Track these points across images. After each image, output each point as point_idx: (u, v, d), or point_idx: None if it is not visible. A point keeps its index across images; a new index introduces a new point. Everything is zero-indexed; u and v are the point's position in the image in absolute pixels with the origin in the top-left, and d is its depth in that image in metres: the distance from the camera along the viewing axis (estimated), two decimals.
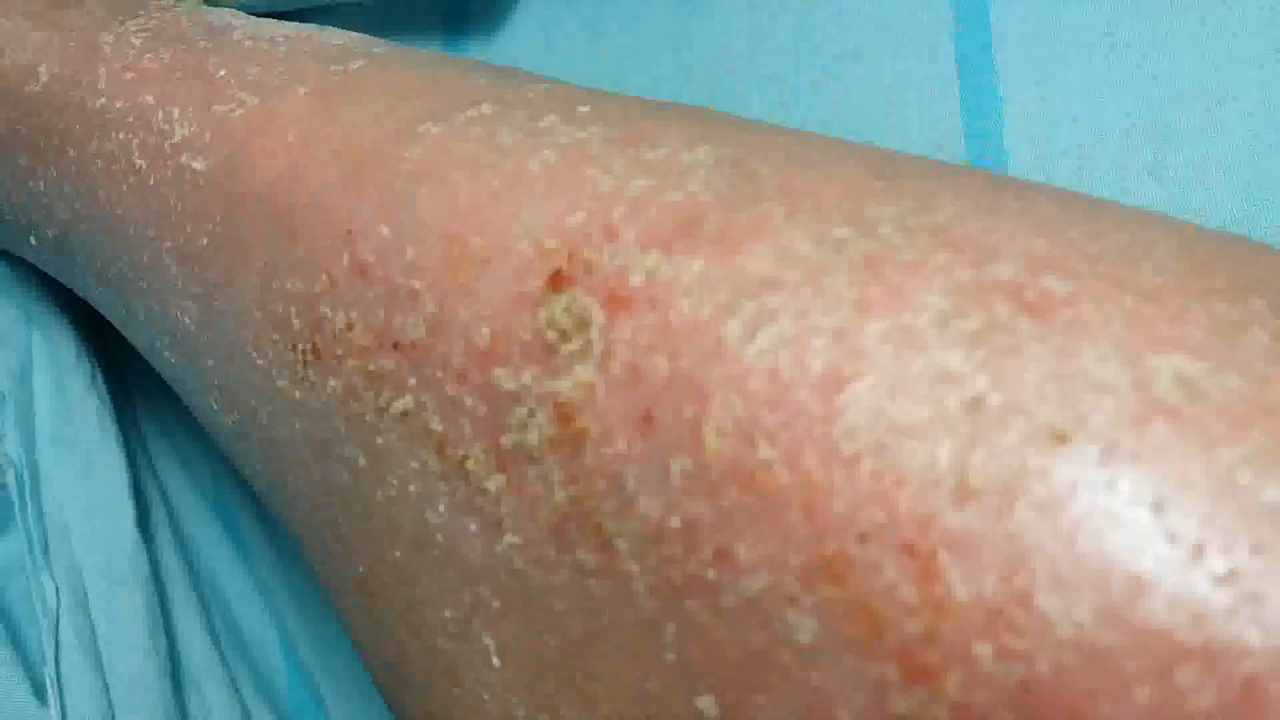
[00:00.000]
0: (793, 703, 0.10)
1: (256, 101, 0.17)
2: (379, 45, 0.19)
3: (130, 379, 0.29)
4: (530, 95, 0.16)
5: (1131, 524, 0.08)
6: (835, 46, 0.23)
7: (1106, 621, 0.08)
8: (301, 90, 0.17)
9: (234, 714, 0.26)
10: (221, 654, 0.27)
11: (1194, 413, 0.09)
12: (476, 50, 0.29)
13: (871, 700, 0.09)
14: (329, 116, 0.16)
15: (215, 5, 0.25)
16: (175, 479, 0.29)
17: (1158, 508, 0.08)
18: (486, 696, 0.13)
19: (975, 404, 0.09)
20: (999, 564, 0.09)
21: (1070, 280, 0.10)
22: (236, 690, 0.27)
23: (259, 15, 0.29)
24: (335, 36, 0.19)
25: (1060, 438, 0.09)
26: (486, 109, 0.15)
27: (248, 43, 0.19)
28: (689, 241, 0.12)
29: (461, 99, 0.16)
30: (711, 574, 0.10)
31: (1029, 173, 0.21)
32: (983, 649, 0.09)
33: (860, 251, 0.11)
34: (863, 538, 0.09)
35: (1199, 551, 0.08)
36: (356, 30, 0.27)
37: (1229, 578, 0.08)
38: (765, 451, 0.10)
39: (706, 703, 0.11)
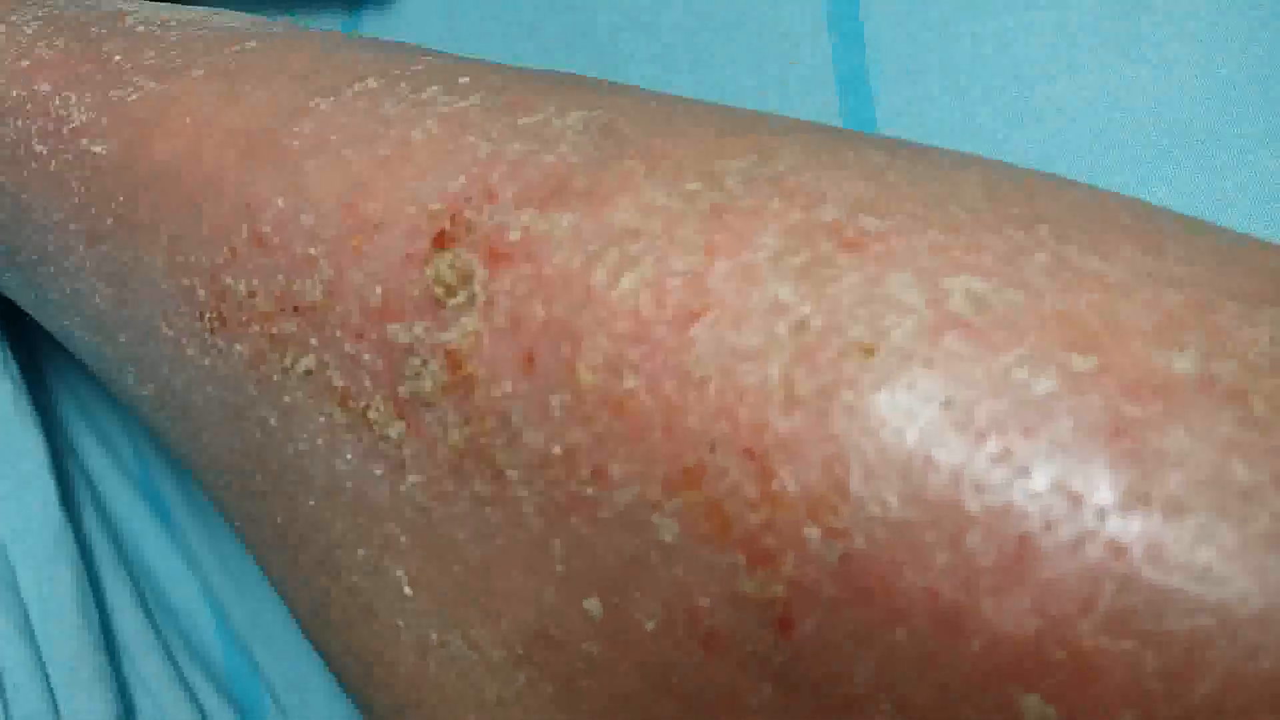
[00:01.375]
0: (663, 594, 0.11)
1: (153, 85, 0.18)
2: (274, 27, 0.19)
3: (43, 363, 0.30)
4: (415, 68, 0.17)
5: (925, 419, 0.10)
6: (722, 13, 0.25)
7: (907, 501, 0.10)
8: (197, 73, 0.18)
9: (171, 684, 0.27)
10: (155, 626, 0.28)
11: (980, 324, 0.10)
12: (372, 23, 0.30)
13: (724, 585, 0.11)
14: (224, 97, 0.17)
15: None
16: (96, 459, 0.30)
17: (947, 404, 0.10)
18: (402, 624, 0.14)
19: (799, 327, 0.11)
20: (820, 460, 0.10)
21: (884, 219, 0.11)
22: (173, 661, 0.28)
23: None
24: (230, 20, 0.20)
25: (868, 351, 0.10)
26: (372, 83, 0.16)
27: (140, 28, 0.19)
28: (560, 199, 0.13)
29: (349, 74, 0.17)
30: (589, 491, 0.12)
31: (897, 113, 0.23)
32: (811, 531, 0.10)
33: (708, 202, 0.12)
34: (712, 447, 0.11)
35: (981, 436, 0.10)
36: (260, 12, 0.28)
37: (1003, 456, 0.10)
38: (630, 381, 0.12)
39: (593, 604, 0.12)
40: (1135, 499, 0.09)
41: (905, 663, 0.10)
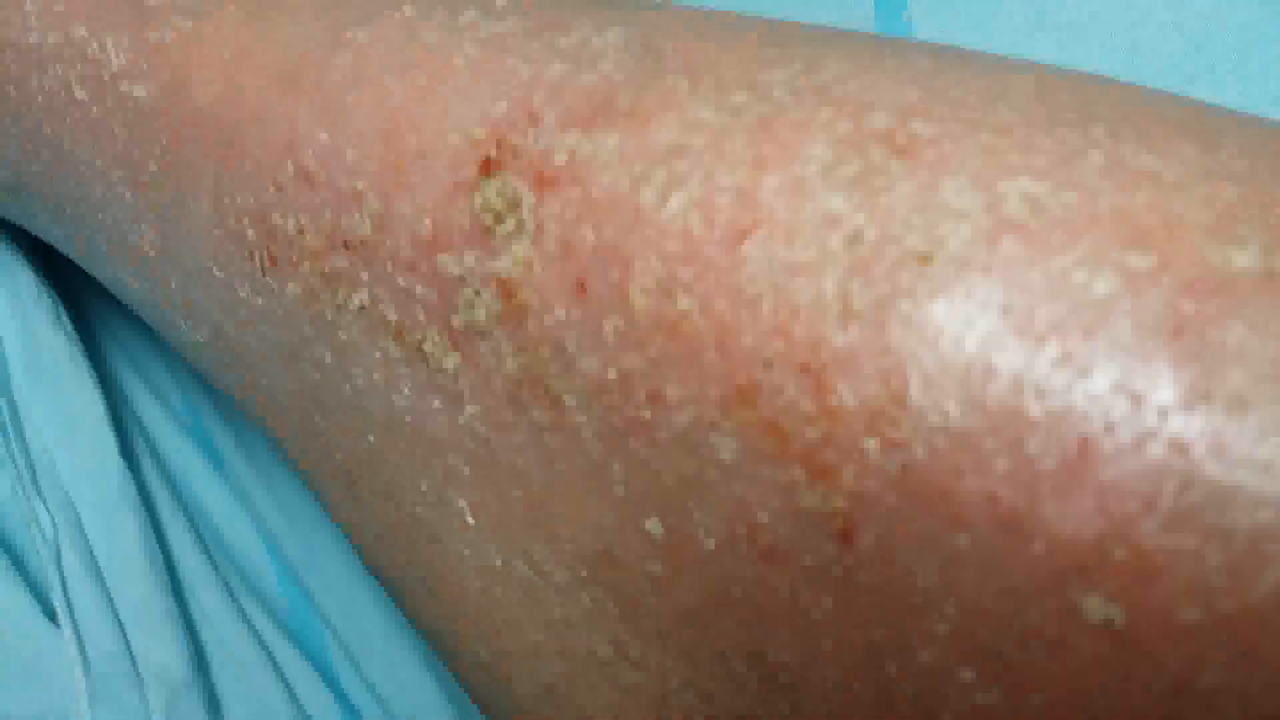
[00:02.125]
0: (723, 512, 0.12)
1: (189, 24, 0.18)
2: None
3: (91, 317, 0.30)
4: None
5: (984, 326, 0.10)
6: None
7: (967, 409, 0.10)
8: (231, 8, 0.18)
9: (232, 615, 0.28)
10: (213, 563, 0.29)
11: (1037, 226, 0.10)
12: None
13: (785, 500, 0.11)
14: (260, 32, 0.17)
15: None
16: (149, 408, 0.30)
17: (1006, 310, 0.10)
18: (467, 551, 0.15)
19: (854, 239, 0.11)
20: (878, 372, 0.10)
21: (935, 123, 0.11)
22: (231, 594, 0.28)
23: None
24: None
25: (925, 259, 0.10)
26: (409, 10, 0.16)
27: None
28: (604, 119, 0.13)
29: (385, 2, 0.16)
30: (646, 414, 0.12)
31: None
32: (870, 444, 0.10)
33: (755, 114, 0.12)
34: (767, 365, 0.11)
35: (1040, 341, 0.10)
36: None
37: (1063, 359, 0.10)
38: (683, 303, 0.12)
39: (653, 524, 0.12)
40: (1197, 396, 0.09)
41: (967, 568, 0.10)
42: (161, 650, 0.26)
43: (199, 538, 0.29)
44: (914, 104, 0.12)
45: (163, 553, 0.28)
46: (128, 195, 0.19)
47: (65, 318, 0.28)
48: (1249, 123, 0.12)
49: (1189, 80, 0.21)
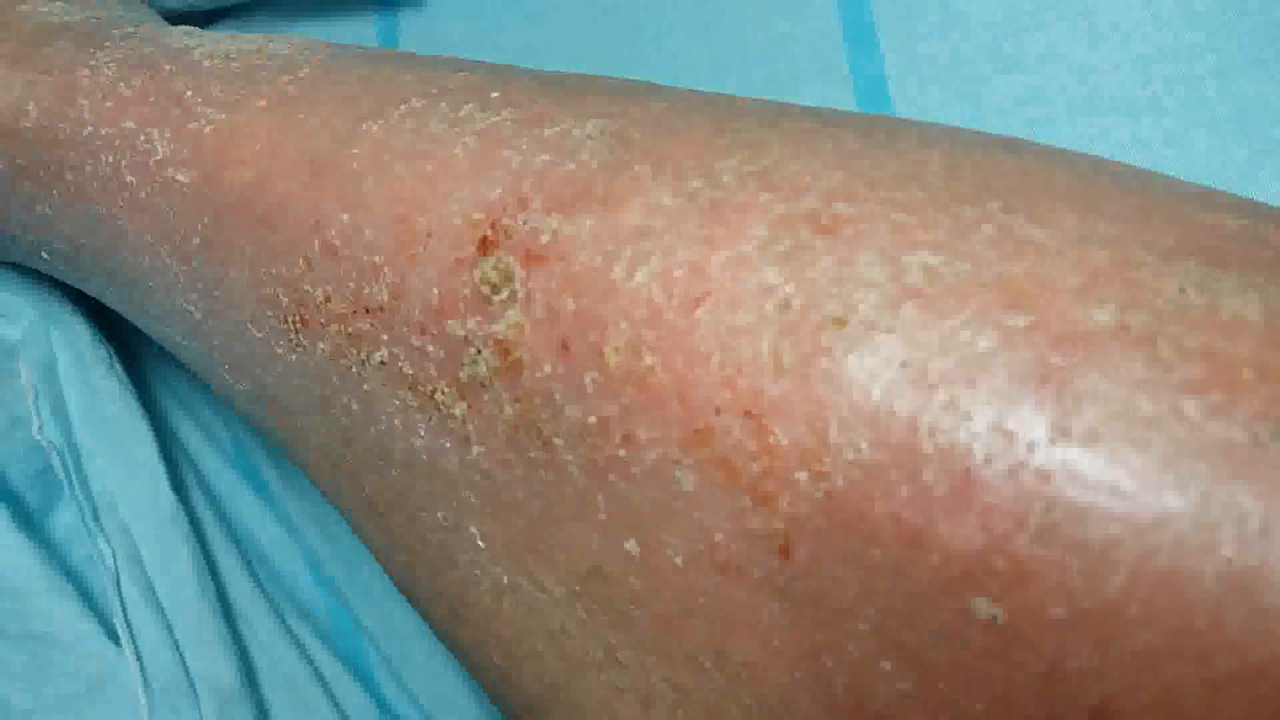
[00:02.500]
0: (687, 533, 0.14)
1: (223, 117, 0.20)
2: (319, 50, 0.22)
3: (143, 362, 0.33)
4: (450, 86, 0.19)
5: (887, 377, 0.12)
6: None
7: (876, 445, 0.12)
8: (260, 103, 0.20)
9: (279, 634, 0.30)
10: (261, 587, 0.31)
11: (933, 293, 0.12)
12: (408, 17, 0.32)
13: (736, 523, 0.13)
14: (287, 125, 0.19)
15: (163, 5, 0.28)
16: (197, 444, 0.33)
17: (905, 364, 0.12)
18: (478, 571, 0.17)
19: (784, 306, 0.13)
20: (805, 416, 0.12)
21: (854, 204, 0.13)
22: (279, 615, 0.31)
23: (207, 12, 0.32)
24: (281, 47, 0.22)
25: (840, 322, 0.13)
26: (416, 104, 0.18)
27: (206, 62, 0.22)
28: (582, 204, 0.15)
29: (395, 97, 0.19)
30: (622, 453, 0.14)
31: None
32: (801, 475, 0.13)
33: (707, 199, 0.14)
34: (718, 411, 0.13)
35: (933, 389, 0.12)
36: (296, 10, 0.30)
37: (950, 404, 0.12)
38: (649, 359, 0.14)
39: (631, 545, 0.14)
40: (1058, 433, 0.11)
41: (881, 576, 0.12)
42: (214, 667, 0.28)
43: (247, 563, 0.31)
44: (838, 186, 0.14)
45: (214, 578, 0.30)
46: (175, 266, 0.21)
47: (119, 366, 0.30)
48: (1130, 181, 0.14)
49: (1133, 106, 0.23)
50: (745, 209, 0.14)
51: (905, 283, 0.13)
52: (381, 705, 0.32)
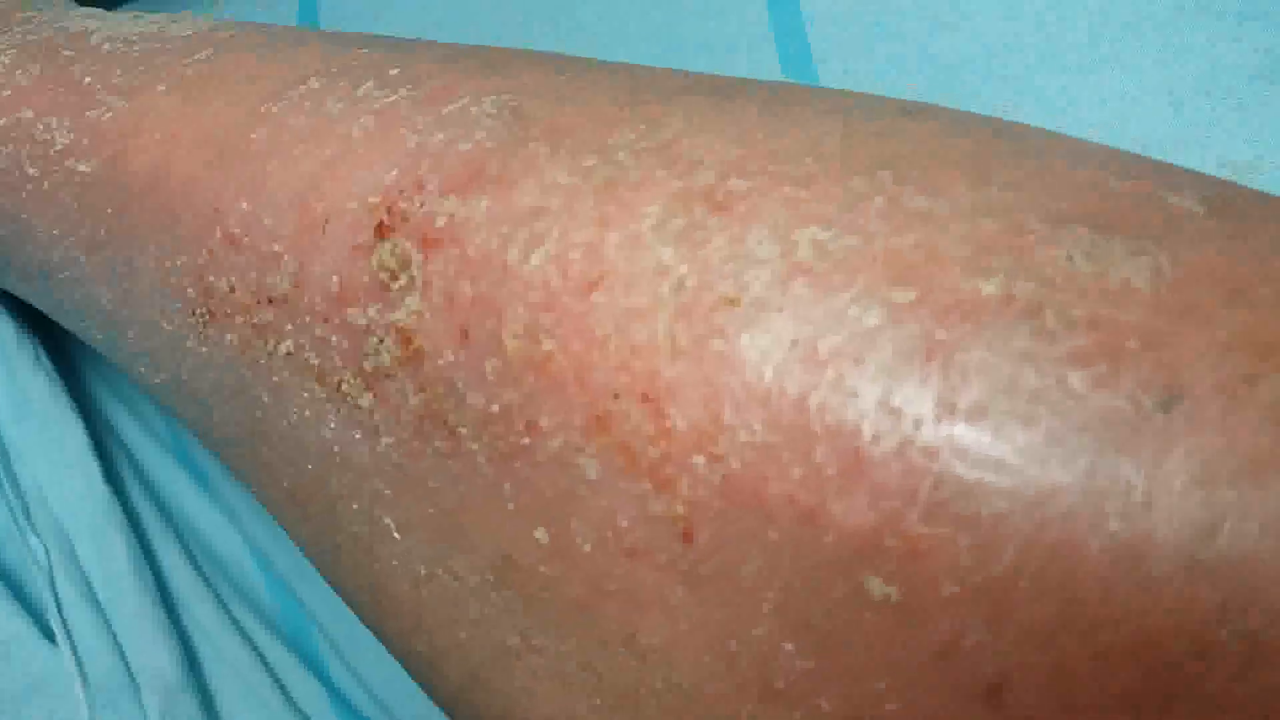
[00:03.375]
0: (594, 520, 0.14)
1: (123, 104, 0.20)
2: (222, 29, 0.21)
3: (74, 352, 0.32)
4: (352, 64, 0.18)
5: (777, 356, 0.12)
6: None
7: (768, 426, 0.12)
8: (161, 88, 0.19)
9: (223, 623, 0.30)
10: (204, 576, 0.31)
11: (821, 269, 0.12)
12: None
13: (639, 508, 0.13)
14: (187, 110, 0.19)
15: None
16: (133, 433, 0.32)
17: (794, 343, 0.12)
18: (396, 562, 0.17)
19: (678, 286, 0.13)
20: (700, 399, 0.12)
21: (748, 179, 0.13)
22: (224, 605, 0.30)
23: None
24: (183, 28, 0.21)
25: (733, 302, 0.12)
26: (315, 83, 0.18)
27: (106, 46, 0.21)
28: (477, 185, 0.15)
29: (294, 76, 0.18)
30: (526, 441, 0.14)
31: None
32: (698, 459, 0.12)
33: (603, 177, 0.14)
34: (616, 396, 0.13)
35: (821, 367, 0.12)
36: None
37: (837, 382, 0.12)
38: (547, 345, 0.14)
39: (541, 533, 0.14)
40: (944, 409, 0.11)
41: (780, 556, 0.12)
42: (155, 659, 0.28)
43: (188, 553, 0.31)
44: (734, 161, 0.14)
45: (153, 569, 0.30)
46: (82, 258, 0.20)
47: (45, 357, 0.30)
48: (1028, 146, 0.14)
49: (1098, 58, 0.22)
50: (640, 186, 0.14)
51: (795, 259, 0.12)
52: (331, 690, 0.31)
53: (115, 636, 0.27)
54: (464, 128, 0.16)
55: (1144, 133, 0.22)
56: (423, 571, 0.16)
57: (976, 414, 0.11)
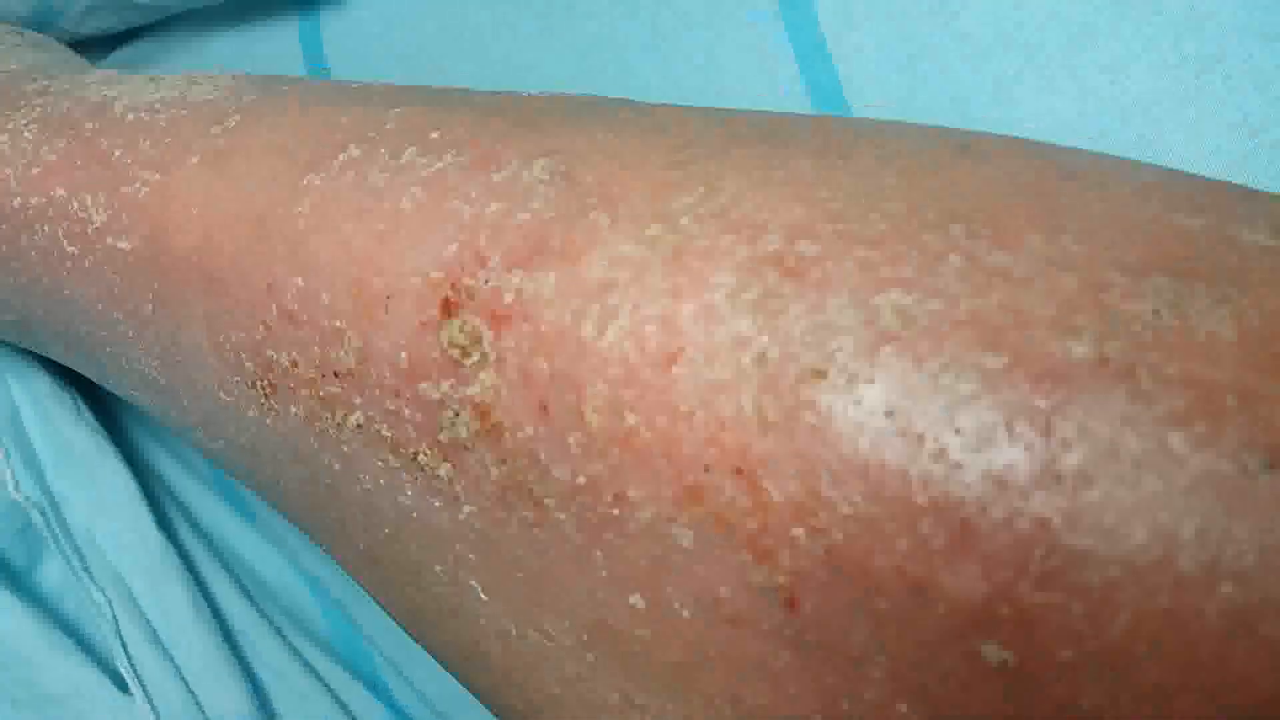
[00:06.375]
0: (691, 588, 0.14)
1: (157, 178, 0.19)
2: (245, 89, 0.21)
3: (111, 400, 0.32)
4: (388, 127, 0.18)
5: (873, 428, 0.12)
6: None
7: (869, 499, 0.12)
8: (194, 160, 0.19)
9: (284, 654, 0.30)
10: (259, 609, 0.31)
11: (908, 336, 0.12)
12: (329, 16, 0.31)
13: (738, 578, 0.13)
14: (224, 183, 0.19)
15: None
16: (175, 475, 0.33)
17: (890, 413, 0.12)
18: (484, 621, 0.17)
19: (761, 358, 0.13)
20: (796, 472, 0.12)
21: (817, 242, 0.13)
22: (282, 636, 0.31)
23: (117, 32, 0.31)
24: (205, 91, 0.21)
25: (820, 374, 0.12)
26: (355, 151, 0.18)
27: (130, 116, 0.21)
28: (541, 258, 0.15)
29: (331, 143, 0.18)
30: (615, 511, 0.14)
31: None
32: (798, 531, 0.13)
33: (669, 246, 0.14)
34: (707, 468, 0.13)
35: (920, 439, 0.12)
36: (219, 18, 0.29)
37: (939, 454, 0.12)
38: (630, 419, 0.14)
39: (636, 599, 0.14)
40: (1050, 478, 0.11)
41: (890, 625, 0.12)
42: (226, 697, 0.28)
43: (242, 588, 0.31)
44: (799, 222, 0.14)
45: (211, 607, 0.30)
46: (129, 332, 0.20)
47: (85, 410, 0.30)
48: (1095, 183, 0.14)
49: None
50: (708, 255, 0.14)
51: (880, 327, 0.12)
52: (392, 707, 0.32)
53: (185, 679, 0.28)
54: (518, 196, 0.16)
55: (1149, 98, 0.21)
56: (513, 631, 0.17)
57: (1082, 481, 0.11)
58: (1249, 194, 0.14)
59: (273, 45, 0.31)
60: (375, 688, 0.32)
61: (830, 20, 0.24)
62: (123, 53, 0.33)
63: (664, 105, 0.18)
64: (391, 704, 0.32)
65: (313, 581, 0.33)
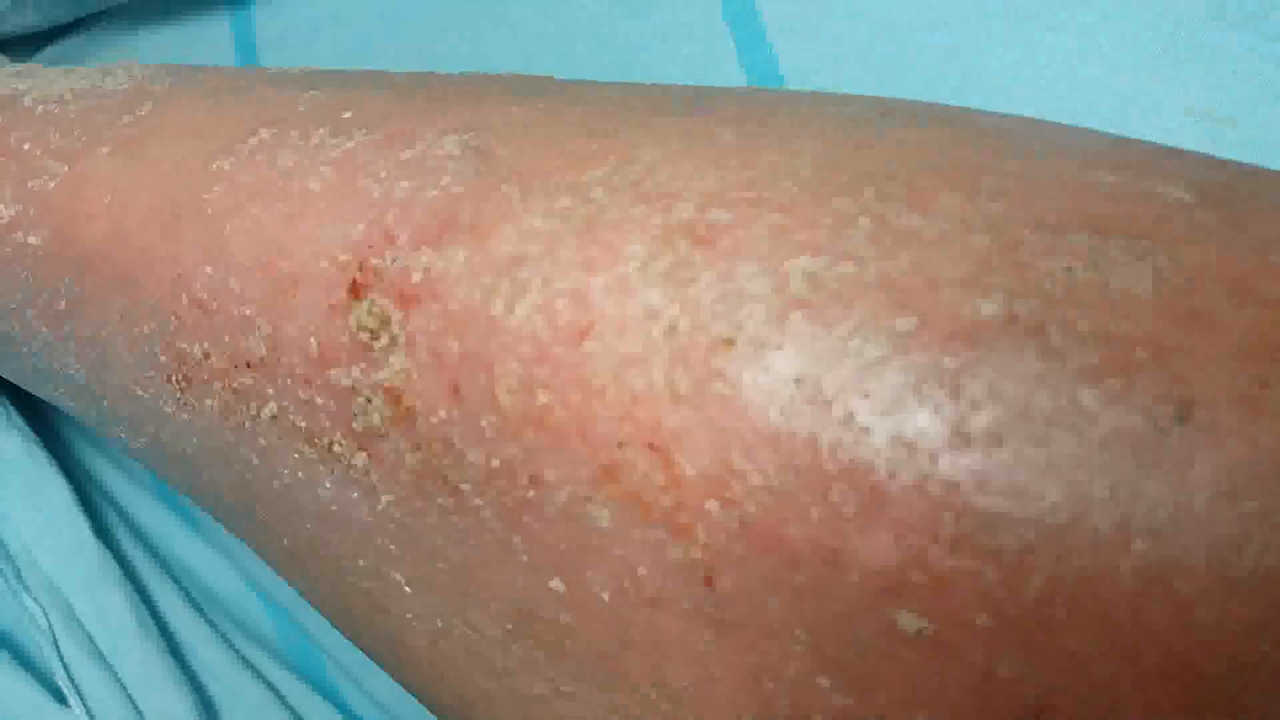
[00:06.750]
0: (610, 569, 0.13)
1: (66, 169, 0.19)
2: (159, 78, 0.20)
3: (46, 408, 0.31)
4: (301, 109, 0.18)
5: (783, 396, 0.12)
6: None
7: (781, 469, 0.12)
8: (104, 150, 0.19)
9: (232, 662, 0.29)
10: (206, 617, 0.30)
11: (817, 301, 0.12)
12: (263, 8, 0.30)
13: (656, 556, 0.13)
14: (134, 172, 0.18)
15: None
16: (115, 481, 0.32)
17: (799, 381, 0.12)
18: (410, 616, 0.17)
19: (671, 330, 0.12)
20: (708, 445, 0.12)
21: (729, 209, 0.13)
22: (230, 644, 0.30)
23: (43, 30, 0.30)
24: (119, 80, 0.21)
25: (729, 343, 0.12)
26: (265, 134, 0.17)
27: (40, 109, 0.20)
28: (450, 235, 0.14)
29: (243, 128, 0.18)
30: (532, 494, 0.14)
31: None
32: (712, 505, 0.12)
33: (581, 217, 0.14)
34: (621, 445, 0.13)
35: (828, 405, 0.11)
36: (147, 14, 0.28)
37: (847, 419, 0.11)
38: (543, 398, 0.13)
39: (557, 583, 0.14)
40: (959, 439, 0.11)
41: (806, 597, 0.12)
42: (170, 708, 0.27)
43: (188, 596, 0.31)
44: (712, 190, 0.13)
45: (155, 617, 0.29)
46: (45, 330, 0.20)
47: (17, 417, 0.29)
48: (1014, 139, 0.14)
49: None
50: (620, 226, 0.13)
51: (789, 293, 0.12)
52: (346, 712, 0.31)
53: (127, 691, 0.27)
54: (428, 173, 0.15)
55: (1107, 85, 0.21)
56: (440, 625, 0.16)
57: (992, 442, 0.11)
58: (1169, 151, 0.14)
59: (204, 40, 0.31)
60: (327, 693, 0.32)
61: (771, 7, 0.24)
62: (49, 51, 0.33)
63: (589, 81, 0.18)
64: (344, 709, 0.32)
65: (260, 589, 0.32)
